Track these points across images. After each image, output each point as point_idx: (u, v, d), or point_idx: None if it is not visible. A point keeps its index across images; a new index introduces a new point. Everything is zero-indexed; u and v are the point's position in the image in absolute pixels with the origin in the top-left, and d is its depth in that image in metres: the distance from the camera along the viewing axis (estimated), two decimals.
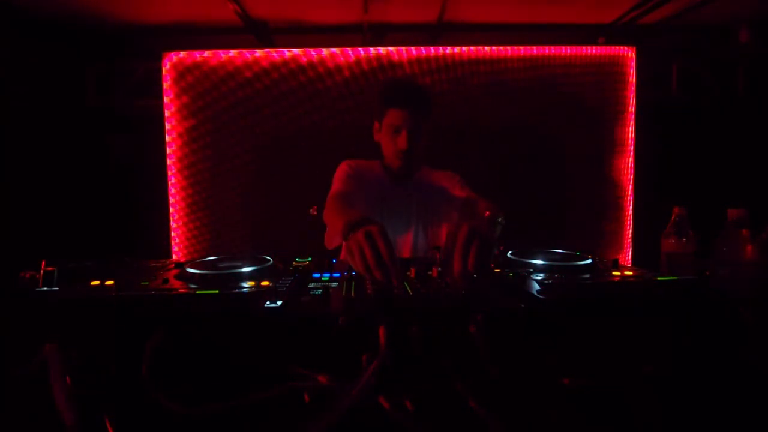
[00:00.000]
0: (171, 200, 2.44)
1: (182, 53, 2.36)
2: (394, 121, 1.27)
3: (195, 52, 2.36)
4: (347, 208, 1.13)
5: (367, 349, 0.58)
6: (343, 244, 0.87)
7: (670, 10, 2.29)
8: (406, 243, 1.41)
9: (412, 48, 2.41)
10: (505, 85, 2.48)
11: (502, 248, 0.81)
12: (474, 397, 0.51)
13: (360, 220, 0.85)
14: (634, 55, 2.50)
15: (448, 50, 2.43)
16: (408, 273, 0.87)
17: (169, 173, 2.42)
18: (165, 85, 2.37)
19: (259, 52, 2.38)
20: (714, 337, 0.72)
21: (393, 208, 1.39)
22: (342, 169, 1.42)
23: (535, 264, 0.87)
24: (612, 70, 2.51)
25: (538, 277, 0.76)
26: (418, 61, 2.43)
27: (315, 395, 0.53)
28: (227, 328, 0.62)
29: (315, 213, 1.14)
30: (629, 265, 0.91)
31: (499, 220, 0.97)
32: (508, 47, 2.44)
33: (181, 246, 2.47)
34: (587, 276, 0.81)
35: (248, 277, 0.79)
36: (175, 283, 0.76)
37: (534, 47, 2.45)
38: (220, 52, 2.37)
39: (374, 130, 1.38)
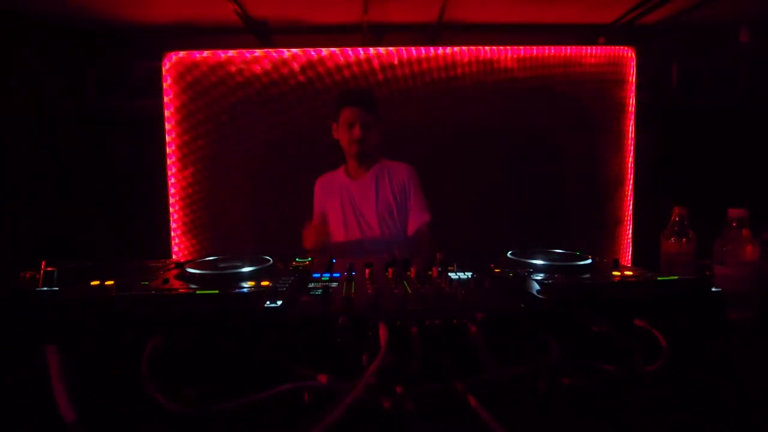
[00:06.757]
0: (171, 200, 2.44)
1: (182, 53, 2.36)
2: (348, 117, 1.55)
3: (195, 52, 2.36)
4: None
5: (367, 349, 0.58)
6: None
7: (670, 10, 2.29)
8: (378, 227, 1.60)
9: (412, 48, 2.41)
10: (505, 85, 2.48)
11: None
12: (474, 396, 0.51)
13: None
14: (634, 55, 2.50)
15: (448, 50, 2.43)
16: (408, 273, 0.88)
17: (169, 173, 2.42)
18: (165, 85, 2.37)
19: (258, 52, 2.38)
20: (714, 337, 0.72)
21: (358, 200, 1.61)
22: (315, 190, 1.71)
23: (535, 264, 0.87)
24: (612, 70, 2.51)
25: (538, 277, 0.76)
26: (418, 60, 2.43)
27: (315, 395, 0.53)
28: (227, 329, 0.62)
29: None
30: (629, 265, 0.91)
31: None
32: (508, 47, 2.44)
33: (181, 246, 2.47)
34: (587, 276, 0.81)
35: (248, 277, 0.79)
36: (175, 283, 0.76)
37: (534, 47, 2.44)
38: (220, 52, 2.37)
39: (333, 130, 1.65)
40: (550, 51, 2.46)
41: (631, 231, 2.59)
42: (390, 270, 0.88)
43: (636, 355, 0.61)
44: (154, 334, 0.59)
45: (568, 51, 2.46)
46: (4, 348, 0.63)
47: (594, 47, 2.48)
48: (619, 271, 0.83)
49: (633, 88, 2.52)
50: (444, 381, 0.56)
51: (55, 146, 2.47)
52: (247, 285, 0.73)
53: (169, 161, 2.41)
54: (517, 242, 1.03)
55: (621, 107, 2.54)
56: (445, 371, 0.59)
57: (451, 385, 0.55)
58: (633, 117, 2.54)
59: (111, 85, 2.56)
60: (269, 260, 0.89)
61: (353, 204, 1.61)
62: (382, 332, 0.59)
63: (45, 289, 0.72)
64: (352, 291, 0.75)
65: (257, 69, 2.38)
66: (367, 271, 0.86)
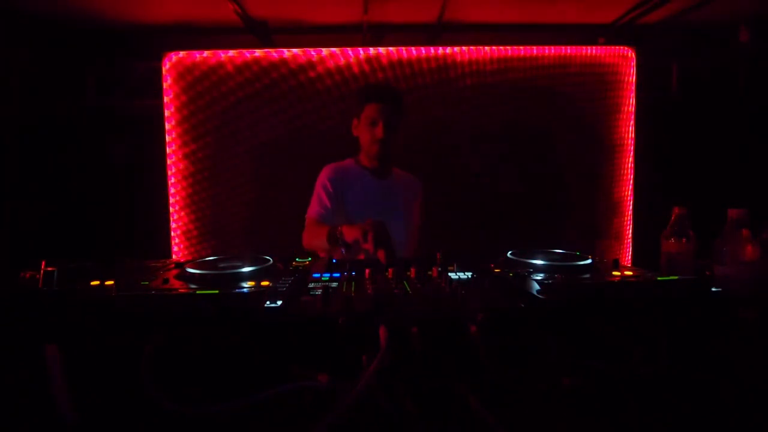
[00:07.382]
0: (171, 200, 2.44)
1: (182, 53, 2.36)
2: (372, 114, 1.46)
3: (195, 52, 2.36)
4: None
5: (367, 349, 0.58)
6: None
7: (670, 10, 2.29)
8: (404, 227, 1.55)
9: (412, 48, 2.41)
10: (505, 85, 2.48)
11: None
12: (474, 397, 0.51)
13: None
14: (634, 55, 2.50)
15: (448, 50, 2.43)
16: (408, 273, 0.88)
17: (169, 173, 2.42)
18: (165, 85, 2.37)
19: (259, 52, 2.38)
20: (714, 337, 0.72)
21: (380, 199, 1.55)
22: (325, 178, 1.56)
23: (535, 264, 0.87)
24: (612, 70, 2.50)
25: (538, 277, 0.76)
26: (418, 60, 2.42)
27: (315, 395, 0.53)
28: (227, 328, 0.62)
29: None
30: (629, 265, 0.91)
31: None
32: (508, 47, 2.44)
33: (181, 246, 2.47)
34: (587, 276, 0.81)
35: (248, 277, 0.79)
36: (175, 283, 0.76)
37: (534, 47, 2.44)
38: (220, 52, 2.37)
39: (353, 126, 1.56)
40: (550, 51, 2.45)
41: (631, 231, 2.59)
42: (390, 270, 0.88)
43: (636, 355, 0.61)
44: (154, 334, 0.59)
45: (568, 51, 2.46)
46: (4, 348, 0.63)
47: (594, 47, 2.48)
48: (619, 271, 0.83)
49: (633, 88, 2.52)
50: (444, 381, 0.56)
51: (56, 146, 2.47)
52: (247, 285, 0.73)
53: (169, 161, 2.41)
54: (517, 242, 1.03)
55: (621, 107, 2.54)
56: (445, 371, 0.59)
57: (451, 385, 0.55)
58: (633, 117, 2.54)
59: (111, 85, 2.56)
60: (269, 260, 0.89)
61: (378, 201, 1.55)
62: (382, 332, 0.59)
63: (45, 289, 0.72)
64: (352, 291, 0.75)
65: (257, 69, 2.38)
66: (367, 271, 0.86)
